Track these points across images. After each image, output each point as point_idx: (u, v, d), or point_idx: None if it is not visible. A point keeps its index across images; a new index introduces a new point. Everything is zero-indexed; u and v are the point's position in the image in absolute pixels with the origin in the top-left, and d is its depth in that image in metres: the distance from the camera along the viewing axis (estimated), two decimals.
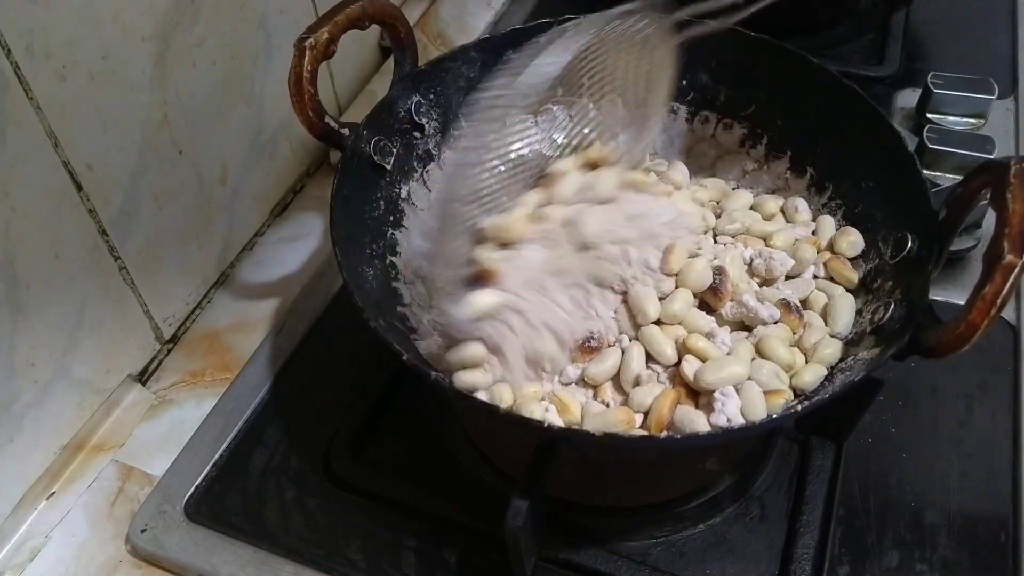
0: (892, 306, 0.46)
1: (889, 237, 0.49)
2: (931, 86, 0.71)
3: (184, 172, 0.59)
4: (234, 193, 0.65)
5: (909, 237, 0.47)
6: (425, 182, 0.57)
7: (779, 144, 0.57)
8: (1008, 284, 0.37)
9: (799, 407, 0.42)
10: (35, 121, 0.47)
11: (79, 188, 0.51)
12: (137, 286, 0.57)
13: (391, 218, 0.54)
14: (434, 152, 0.58)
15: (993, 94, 0.71)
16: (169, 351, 0.62)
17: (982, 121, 0.72)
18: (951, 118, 0.72)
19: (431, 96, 0.57)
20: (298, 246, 0.69)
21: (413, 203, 0.56)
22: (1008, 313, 0.59)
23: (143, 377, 0.60)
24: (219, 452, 0.55)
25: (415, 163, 0.57)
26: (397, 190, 0.55)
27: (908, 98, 0.75)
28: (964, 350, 0.39)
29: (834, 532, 0.49)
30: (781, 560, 0.48)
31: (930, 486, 0.51)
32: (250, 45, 0.62)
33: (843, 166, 0.54)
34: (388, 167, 0.54)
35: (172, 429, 0.57)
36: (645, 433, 0.44)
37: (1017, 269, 0.37)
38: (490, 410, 0.44)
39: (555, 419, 0.45)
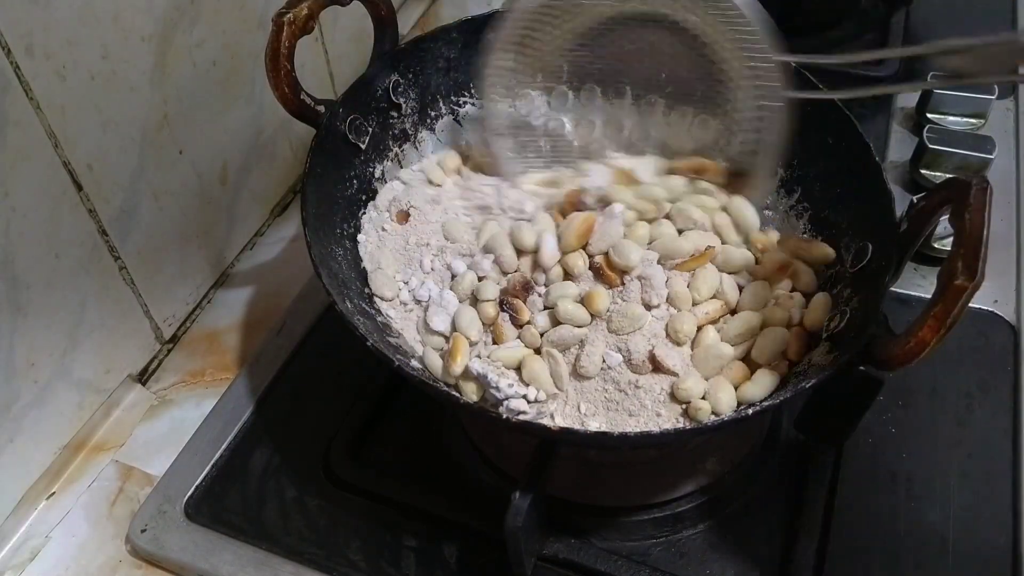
0: (848, 314, 0.46)
1: (851, 245, 0.49)
2: None
3: (184, 172, 0.59)
4: (234, 193, 0.65)
5: (870, 247, 0.47)
6: (400, 161, 0.57)
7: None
8: (959, 304, 0.37)
9: (750, 411, 0.42)
10: (35, 121, 0.47)
11: (79, 188, 0.51)
12: (137, 286, 0.57)
13: (363, 197, 0.55)
14: (410, 132, 0.58)
15: (993, 94, 0.71)
16: (169, 351, 0.62)
17: (982, 121, 0.72)
18: (951, 118, 0.72)
19: (410, 75, 0.57)
20: (298, 246, 0.69)
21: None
22: (1008, 313, 0.59)
23: (143, 377, 0.60)
24: (219, 452, 0.55)
25: (390, 142, 0.57)
26: (371, 169, 0.55)
27: (908, 98, 0.75)
28: (912, 365, 0.39)
29: (834, 532, 0.49)
30: (781, 560, 0.48)
31: (930, 486, 0.51)
32: (250, 45, 0.62)
33: (813, 171, 0.54)
34: (363, 146, 0.54)
35: (172, 429, 0.57)
36: (643, 431, 0.44)
37: (969, 290, 0.37)
38: (485, 412, 0.45)
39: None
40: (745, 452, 0.52)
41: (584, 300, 0.47)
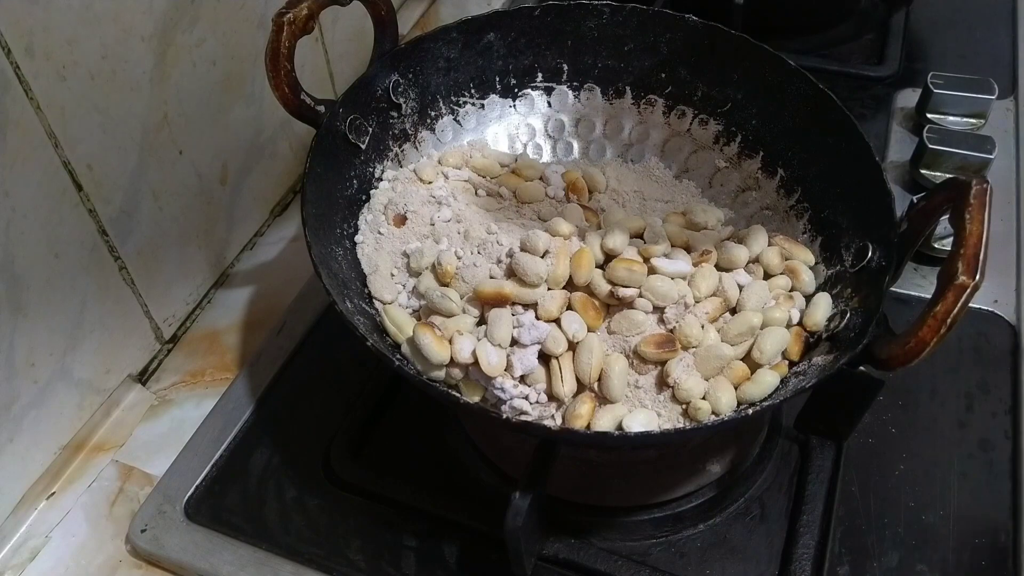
0: (848, 314, 0.46)
1: (852, 245, 0.49)
2: (931, 86, 0.71)
3: (184, 172, 0.59)
4: (234, 193, 0.65)
5: (870, 247, 0.47)
6: (400, 161, 0.57)
7: (752, 144, 0.57)
8: (959, 304, 0.37)
9: (750, 411, 0.43)
10: (35, 121, 0.47)
11: (79, 188, 0.51)
12: (137, 286, 0.57)
13: (363, 197, 0.55)
14: (410, 132, 0.58)
15: (993, 94, 0.71)
16: (169, 351, 0.62)
17: (982, 121, 0.72)
18: (951, 118, 0.72)
19: (410, 75, 0.57)
20: (298, 246, 0.69)
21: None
22: (1008, 313, 0.59)
23: (143, 377, 0.60)
24: (219, 452, 0.55)
25: (390, 142, 0.57)
26: (371, 169, 0.55)
27: (908, 98, 0.76)
28: (912, 365, 0.39)
29: (834, 532, 0.49)
30: (781, 560, 0.48)
31: (930, 486, 0.51)
32: (250, 45, 0.62)
33: (814, 171, 0.54)
34: (363, 146, 0.54)
35: (172, 429, 0.57)
36: (643, 431, 0.44)
37: (969, 290, 0.37)
38: (482, 411, 0.45)
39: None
40: (745, 452, 0.52)
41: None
